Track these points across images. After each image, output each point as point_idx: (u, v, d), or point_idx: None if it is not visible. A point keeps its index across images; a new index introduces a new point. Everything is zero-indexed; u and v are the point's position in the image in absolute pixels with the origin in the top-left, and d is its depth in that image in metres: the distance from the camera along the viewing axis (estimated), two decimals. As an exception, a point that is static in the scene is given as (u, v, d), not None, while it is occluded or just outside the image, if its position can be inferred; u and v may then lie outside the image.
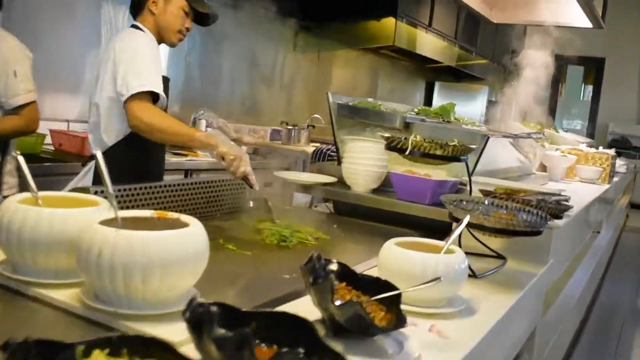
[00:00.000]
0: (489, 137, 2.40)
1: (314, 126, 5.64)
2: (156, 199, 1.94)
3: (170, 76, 5.03)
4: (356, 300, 1.01)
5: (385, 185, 2.49)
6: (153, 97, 2.21)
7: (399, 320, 1.04)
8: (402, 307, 1.28)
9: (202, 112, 5.01)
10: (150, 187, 1.93)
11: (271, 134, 5.64)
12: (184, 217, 1.22)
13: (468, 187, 1.87)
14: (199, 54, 5.19)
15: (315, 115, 5.83)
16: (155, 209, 1.95)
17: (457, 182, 2.37)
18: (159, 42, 2.48)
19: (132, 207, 1.86)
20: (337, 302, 1.10)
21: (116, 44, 2.33)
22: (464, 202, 1.70)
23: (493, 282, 1.67)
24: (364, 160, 2.44)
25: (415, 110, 3.31)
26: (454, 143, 1.79)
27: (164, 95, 2.22)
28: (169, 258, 1.07)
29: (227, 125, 5.22)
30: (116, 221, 1.19)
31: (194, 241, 1.12)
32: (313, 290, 1.08)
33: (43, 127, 3.76)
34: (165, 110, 2.56)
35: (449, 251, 1.37)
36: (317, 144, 5.22)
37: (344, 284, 1.21)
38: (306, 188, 2.55)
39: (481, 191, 1.90)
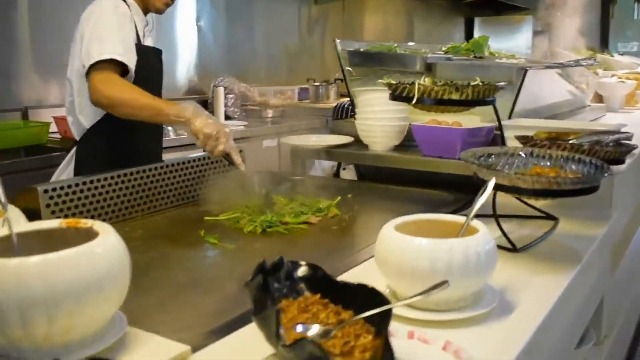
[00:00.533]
0: (526, 70, 1.98)
1: (342, 80, 5.23)
2: (132, 187, 1.64)
3: (182, 44, 4.75)
4: (308, 339, 0.68)
5: (411, 140, 2.12)
6: (122, 69, 1.88)
7: (385, 358, 0.70)
8: (408, 314, 0.94)
9: (220, 78, 4.70)
10: (122, 175, 1.63)
11: (299, 93, 5.28)
12: (98, 225, 0.90)
13: (500, 136, 1.49)
14: (210, 17, 4.85)
15: (347, 68, 5.41)
16: (130, 198, 1.66)
17: (493, 129, 1.97)
18: (145, 11, 2.14)
19: (105, 199, 1.57)
20: (299, 328, 0.77)
21: (84, 12, 2.02)
22: (493, 157, 1.32)
23: (540, 255, 1.30)
24: (380, 114, 2.07)
25: (444, 48, 2.91)
26: (475, 82, 1.41)
27: (131, 66, 1.88)
28: (55, 292, 0.76)
29: (250, 90, 4.94)
30: (10, 240, 0.89)
31: (96, 263, 0.80)
32: (256, 322, 0.75)
33: (47, 115, 3.52)
34: (160, 83, 2.22)
35: (470, 231, 1.01)
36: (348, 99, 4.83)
37: (318, 295, 0.87)
38: (317, 153, 2.21)
39: (518, 138, 1.51)
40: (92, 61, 1.80)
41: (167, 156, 2.55)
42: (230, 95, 4.67)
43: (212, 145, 1.69)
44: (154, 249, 1.39)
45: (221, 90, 4.41)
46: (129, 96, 1.77)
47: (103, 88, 1.77)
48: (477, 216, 1.31)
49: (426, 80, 1.41)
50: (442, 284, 0.81)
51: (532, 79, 2.21)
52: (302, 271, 0.89)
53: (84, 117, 2.01)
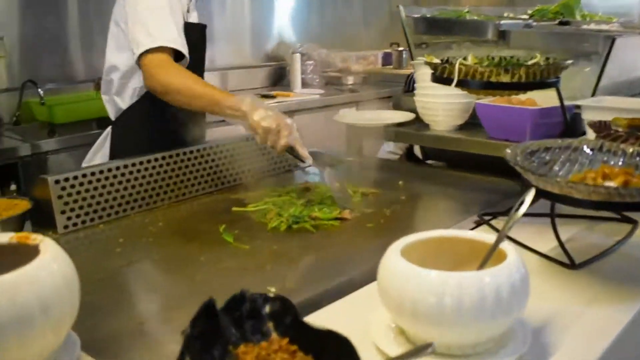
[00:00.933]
0: (614, 39, 1.68)
1: (427, 44, 4.92)
2: (158, 174, 1.54)
3: (259, 12, 4.63)
4: None
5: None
6: (176, 52, 1.74)
7: None
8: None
9: (299, 45, 4.54)
10: (145, 162, 1.52)
11: (383, 58, 5.03)
12: (44, 244, 0.78)
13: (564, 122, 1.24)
14: (292, -20, 4.68)
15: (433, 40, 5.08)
16: (155, 186, 1.54)
17: (572, 108, 1.70)
18: None
19: (126, 187, 1.47)
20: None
21: None
22: (548, 153, 1.09)
23: (606, 273, 1.07)
24: (442, 90, 1.83)
25: (529, 12, 2.61)
26: (534, 60, 1.17)
27: (185, 52, 1.73)
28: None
29: (330, 56, 4.76)
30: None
31: (17, 297, 0.68)
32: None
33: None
34: (203, 60, 2.07)
35: (498, 257, 0.81)
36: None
37: (285, 340, 0.71)
38: (372, 131, 2.02)
39: (591, 126, 1.26)
40: (142, 49, 1.67)
41: (213, 130, 2.44)
42: (310, 62, 4.51)
43: (273, 140, 1.51)
44: (162, 249, 1.28)
45: (298, 56, 4.26)
46: (185, 84, 1.61)
47: (158, 73, 1.64)
48: (530, 215, 1.10)
49: (469, 59, 1.19)
50: (425, 347, 0.63)
51: (628, 47, 1.90)
52: (271, 307, 0.73)
53: (121, 99, 1.90)
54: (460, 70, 1.15)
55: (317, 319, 0.93)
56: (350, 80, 4.58)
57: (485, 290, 0.74)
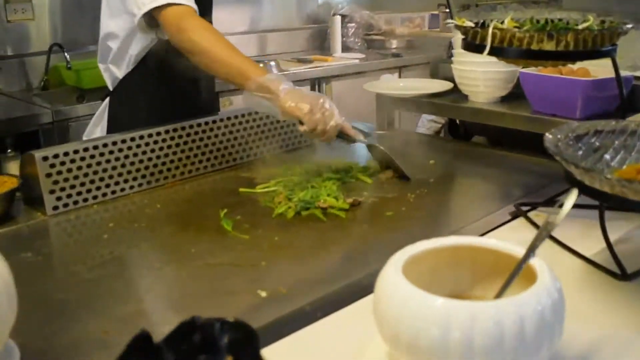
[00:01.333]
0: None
1: (477, 5, 4.63)
2: (161, 150, 1.40)
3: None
4: None
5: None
6: None
7: None
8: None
9: (340, 6, 4.32)
10: (145, 136, 1.38)
11: (430, 20, 4.76)
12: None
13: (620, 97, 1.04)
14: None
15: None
16: (157, 162, 1.39)
17: (631, 80, 1.48)
18: None
19: (124, 164, 1.34)
20: None
21: None
22: (599, 137, 0.90)
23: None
24: (482, 58, 1.63)
25: (589, -32, 2.34)
26: (586, 24, 0.97)
27: (192, 5, 1.55)
28: None
29: (373, 18, 4.52)
30: None
31: None
32: None
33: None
34: (209, 17, 1.89)
35: (527, 275, 0.64)
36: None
37: (244, 382, 0.57)
38: (403, 103, 1.83)
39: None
40: (145, 9, 1.50)
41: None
42: (351, 24, 4.30)
43: (320, 122, 1.29)
44: (153, 236, 1.15)
45: (338, 18, 4.05)
46: (215, 47, 1.41)
47: (188, 28, 1.44)
48: (575, 207, 0.91)
49: (506, 22, 1.00)
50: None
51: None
52: (230, 336, 0.59)
53: (117, 67, 1.73)
54: (494, 35, 0.96)
55: (307, 337, 0.78)
56: (394, 44, 4.35)
57: (504, 325, 0.58)
